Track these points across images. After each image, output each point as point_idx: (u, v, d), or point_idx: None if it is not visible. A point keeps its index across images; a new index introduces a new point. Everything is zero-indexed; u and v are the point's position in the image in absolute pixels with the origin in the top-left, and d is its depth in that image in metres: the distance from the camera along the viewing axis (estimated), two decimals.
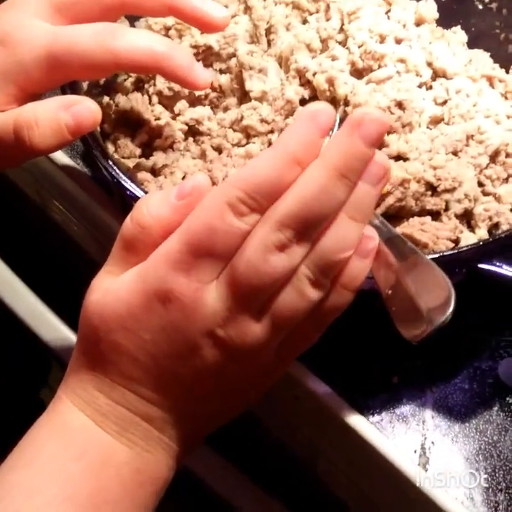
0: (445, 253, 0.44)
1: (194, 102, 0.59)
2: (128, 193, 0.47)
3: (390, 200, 0.50)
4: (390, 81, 0.55)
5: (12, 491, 0.38)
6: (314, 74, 0.56)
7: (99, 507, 0.38)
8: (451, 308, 0.38)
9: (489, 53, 0.63)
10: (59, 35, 0.47)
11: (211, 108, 0.58)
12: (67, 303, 0.51)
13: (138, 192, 0.47)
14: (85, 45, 0.47)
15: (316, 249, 0.38)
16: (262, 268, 0.37)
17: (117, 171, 0.48)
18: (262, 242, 0.37)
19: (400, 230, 0.49)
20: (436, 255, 0.44)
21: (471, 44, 0.64)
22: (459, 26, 0.64)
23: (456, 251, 0.45)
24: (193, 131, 0.57)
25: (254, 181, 0.37)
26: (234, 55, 0.60)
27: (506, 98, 0.58)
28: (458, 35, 0.64)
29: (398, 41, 0.57)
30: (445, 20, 0.64)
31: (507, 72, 0.62)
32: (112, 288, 0.39)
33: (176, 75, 0.48)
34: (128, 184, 0.47)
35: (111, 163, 0.48)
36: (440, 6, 0.64)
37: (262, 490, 0.62)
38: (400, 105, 0.53)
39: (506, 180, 0.53)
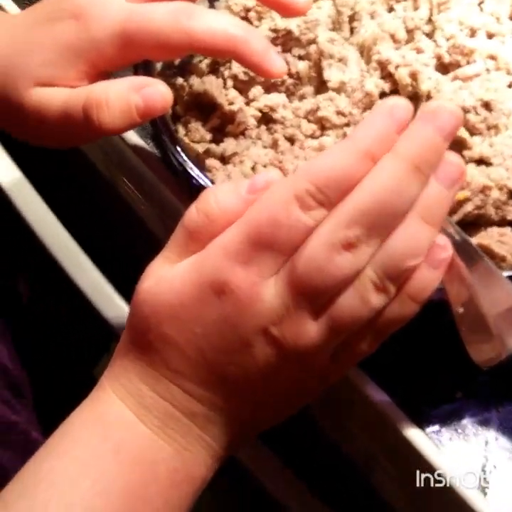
0: None
1: (269, 88, 0.57)
2: (194, 181, 0.46)
3: (468, 207, 0.47)
4: (478, 78, 0.52)
5: (45, 481, 0.37)
6: (397, 67, 0.53)
7: (132, 504, 0.37)
8: None
9: None
10: (134, 12, 0.46)
11: (287, 95, 0.56)
12: (129, 281, 0.50)
13: (203, 181, 0.46)
14: (160, 23, 0.45)
15: (384, 251, 0.36)
16: (326, 267, 0.35)
17: (184, 157, 0.47)
18: (328, 239, 0.35)
19: (476, 240, 0.46)
20: None
21: None
22: None
23: None
24: (266, 119, 0.55)
25: (325, 174, 0.35)
26: (314, 41, 0.57)
27: None
28: None
29: (490, 36, 0.54)
30: None
31: None
32: (166, 276, 0.38)
33: (251, 60, 0.47)
34: (194, 173, 0.46)
35: (179, 149, 0.47)
36: None
37: (313, 492, 0.61)
38: (486, 106, 0.50)
39: None
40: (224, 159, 0.53)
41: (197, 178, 0.45)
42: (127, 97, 0.45)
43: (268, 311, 0.36)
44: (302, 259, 0.35)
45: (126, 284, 0.65)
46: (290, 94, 0.57)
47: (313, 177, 0.36)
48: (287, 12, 0.50)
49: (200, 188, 0.44)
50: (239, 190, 0.38)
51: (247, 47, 0.46)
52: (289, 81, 0.57)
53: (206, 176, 0.46)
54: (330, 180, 0.35)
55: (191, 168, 0.46)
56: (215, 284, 0.36)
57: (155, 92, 0.45)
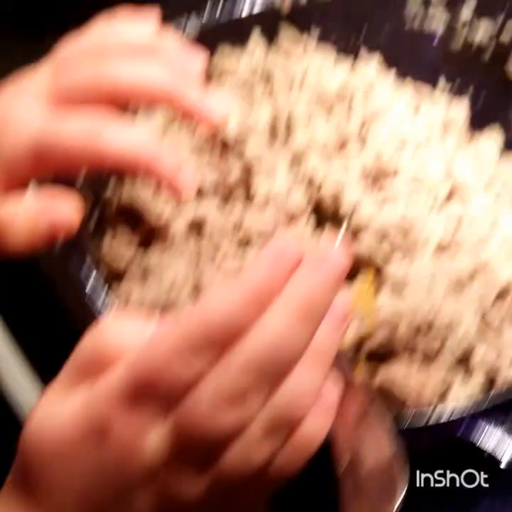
0: (416, 426, 0.40)
1: (201, 196, 0.56)
2: (95, 309, 0.46)
3: (375, 341, 0.46)
4: (401, 196, 0.51)
5: None
6: (321, 183, 0.52)
7: None
8: (396, 505, 0.34)
9: None
10: (47, 130, 0.46)
11: (218, 205, 0.56)
12: None
13: (101, 312, 0.46)
14: (71, 143, 0.46)
15: (271, 404, 0.34)
16: (209, 423, 0.34)
17: (89, 284, 0.47)
18: (213, 392, 0.34)
19: (380, 378, 0.45)
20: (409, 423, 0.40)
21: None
22: (496, 126, 0.60)
23: (432, 423, 0.41)
24: (195, 229, 0.55)
25: (211, 320, 0.34)
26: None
27: None
28: (492, 138, 0.60)
29: (416, 151, 0.54)
30: (482, 119, 0.60)
31: None
32: (54, 412, 0.37)
33: (161, 180, 0.47)
34: (97, 301, 0.46)
35: (84, 275, 0.47)
36: (477, 103, 0.60)
37: None
38: (403, 229, 0.49)
39: None
40: (145, 273, 0.53)
41: (98, 310, 0.45)
42: (34, 221, 0.45)
43: (149, 461, 0.35)
44: (186, 409, 0.34)
45: None
46: (222, 203, 0.56)
47: (197, 323, 0.34)
48: (204, 125, 0.50)
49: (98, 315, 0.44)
50: (143, 329, 0.37)
51: (157, 167, 0.46)
52: (221, 188, 0.56)
53: (110, 304, 0.46)
54: (215, 326, 0.34)
55: (94, 295, 0.46)
56: (96, 427, 0.35)
57: (61, 216, 0.45)
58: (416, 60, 0.63)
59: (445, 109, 0.57)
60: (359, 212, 0.51)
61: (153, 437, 0.35)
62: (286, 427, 0.35)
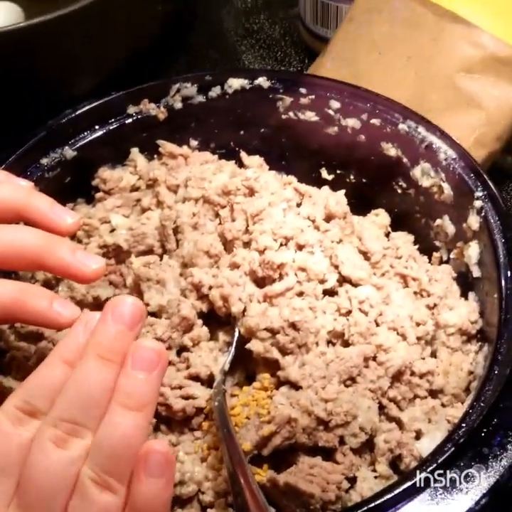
0: None
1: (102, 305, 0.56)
2: None
3: (276, 441, 0.46)
4: (289, 293, 0.52)
5: None
6: (210, 288, 0.53)
7: None
8: None
9: (413, 236, 0.60)
10: None
11: None
12: None
13: None
14: None
15: (94, 445, 0.37)
16: (45, 467, 0.36)
17: None
18: (41, 441, 0.37)
19: (284, 477, 0.45)
20: None
21: (396, 226, 0.61)
22: (382, 209, 0.62)
23: None
24: None
25: (27, 386, 0.39)
26: (145, 252, 0.58)
27: (422, 296, 0.55)
28: (381, 217, 0.62)
29: (300, 247, 0.55)
30: (367, 202, 0.62)
31: (429, 256, 0.59)
32: None
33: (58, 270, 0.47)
34: None
35: None
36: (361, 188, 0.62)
37: None
38: (293, 326, 0.50)
39: (413, 400, 0.49)
40: None
41: None
42: None
43: None
44: (26, 467, 0.37)
45: None
46: None
47: (19, 391, 0.38)
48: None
49: None
50: None
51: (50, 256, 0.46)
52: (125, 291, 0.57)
53: None
54: (31, 389, 0.38)
55: None
56: None
57: None
58: (297, 151, 0.65)
59: (325, 201, 0.59)
60: (249, 312, 0.51)
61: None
62: (115, 469, 0.37)
